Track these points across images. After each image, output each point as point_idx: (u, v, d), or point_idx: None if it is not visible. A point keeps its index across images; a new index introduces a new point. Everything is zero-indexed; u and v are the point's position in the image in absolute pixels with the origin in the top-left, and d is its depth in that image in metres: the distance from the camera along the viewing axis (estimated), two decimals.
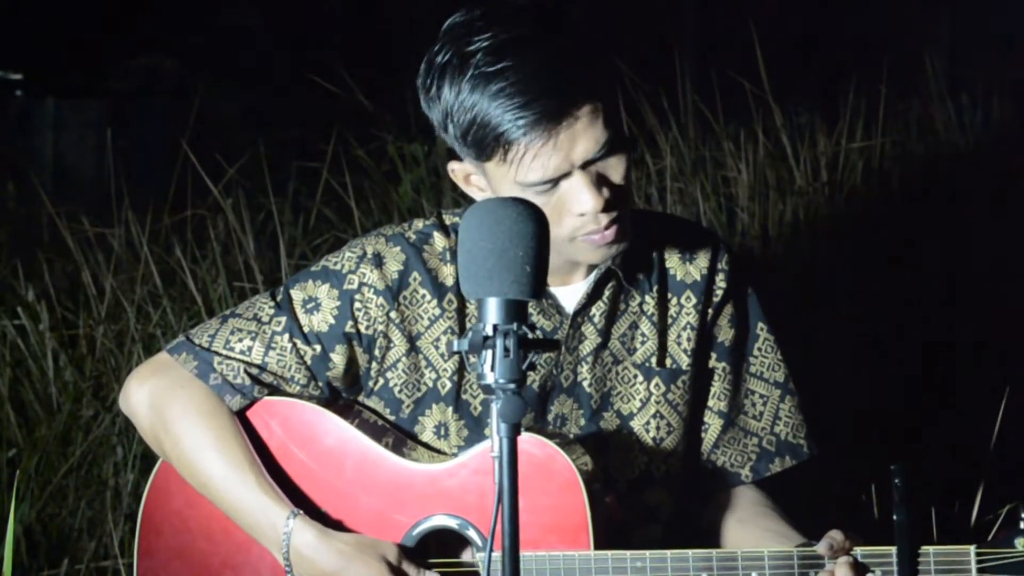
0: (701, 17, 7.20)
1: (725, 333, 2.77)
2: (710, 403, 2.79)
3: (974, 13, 6.63)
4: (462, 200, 4.92)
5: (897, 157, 5.06)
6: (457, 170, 2.65)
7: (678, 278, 2.75)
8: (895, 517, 2.45)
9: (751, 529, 2.70)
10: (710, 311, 2.76)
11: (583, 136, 2.49)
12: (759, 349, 2.81)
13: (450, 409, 2.69)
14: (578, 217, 2.53)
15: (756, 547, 2.55)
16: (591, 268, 2.69)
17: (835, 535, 2.49)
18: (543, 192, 2.52)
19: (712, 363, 2.78)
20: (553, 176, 2.51)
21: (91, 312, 4.59)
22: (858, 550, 2.50)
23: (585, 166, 2.51)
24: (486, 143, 2.51)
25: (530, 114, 2.47)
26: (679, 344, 2.74)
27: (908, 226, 4.62)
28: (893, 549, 2.48)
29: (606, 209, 2.53)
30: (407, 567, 2.57)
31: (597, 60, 2.55)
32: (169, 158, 5.00)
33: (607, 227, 2.55)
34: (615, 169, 2.55)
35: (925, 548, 2.48)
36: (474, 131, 2.51)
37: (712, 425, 2.79)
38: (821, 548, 2.48)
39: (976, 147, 5.22)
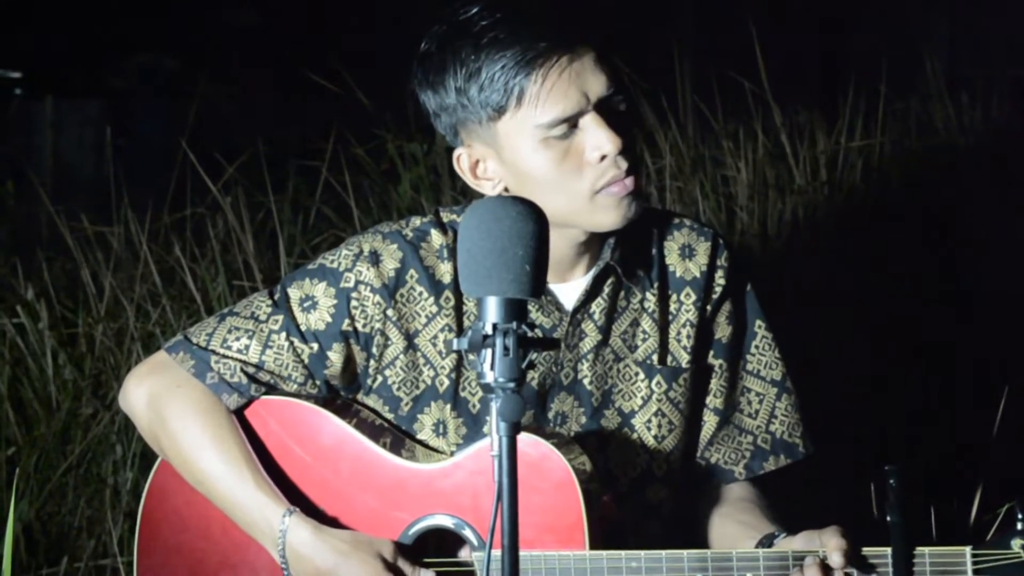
0: (700, 16, 7.20)
1: (723, 330, 2.78)
2: (707, 400, 2.79)
3: (974, 12, 6.62)
4: (461, 199, 4.92)
5: (897, 156, 5.06)
6: (463, 156, 2.65)
7: (678, 275, 2.75)
8: (889, 518, 2.45)
9: (728, 523, 2.71)
10: (709, 308, 2.76)
11: (594, 72, 2.55)
12: (756, 347, 2.81)
13: (448, 407, 2.69)
14: (598, 165, 2.55)
15: (732, 541, 2.55)
16: (591, 264, 2.69)
17: (842, 544, 2.48)
18: (561, 138, 2.54)
19: (710, 360, 2.78)
20: (571, 112, 2.53)
21: (90, 310, 4.59)
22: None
23: (599, 107, 2.54)
24: (505, 90, 2.54)
25: (541, 46, 2.52)
26: (679, 342, 2.74)
27: (907, 225, 4.62)
28: (888, 550, 2.47)
29: (624, 152, 2.54)
30: (403, 565, 2.57)
31: (584, 21, 2.60)
32: (168, 156, 5.00)
33: (627, 174, 2.56)
34: (623, 115, 2.58)
35: (921, 549, 2.47)
36: (492, 84, 2.54)
37: (708, 422, 2.79)
38: (834, 561, 2.47)
39: (976, 146, 5.21)
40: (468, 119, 2.60)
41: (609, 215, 2.60)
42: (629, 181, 2.57)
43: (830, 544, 2.47)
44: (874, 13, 6.94)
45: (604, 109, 2.55)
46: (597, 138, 2.54)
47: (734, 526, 2.68)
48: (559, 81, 2.52)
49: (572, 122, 2.55)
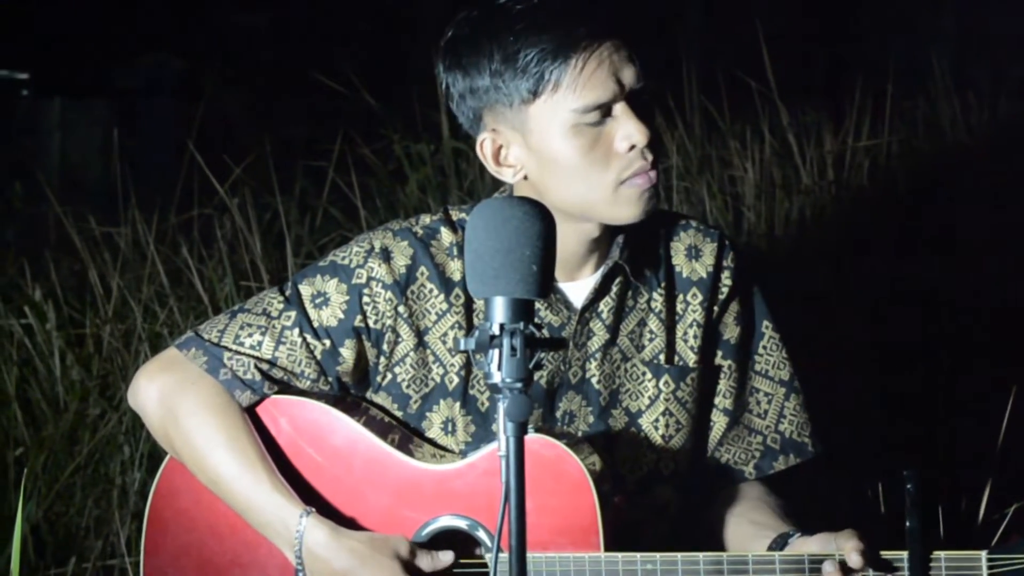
0: (706, 15, 7.20)
1: (731, 331, 2.78)
2: (716, 400, 2.79)
3: (980, 12, 6.62)
4: (468, 198, 4.92)
5: (903, 156, 5.05)
6: (486, 142, 2.65)
7: (684, 275, 2.76)
8: (907, 523, 2.44)
9: (741, 523, 2.70)
10: (716, 309, 2.76)
11: (627, 63, 2.57)
12: (764, 347, 2.81)
13: (457, 405, 2.69)
14: (626, 155, 2.56)
15: (745, 541, 2.55)
16: (599, 263, 2.69)
17: (860, 546, 2.48)
18: (592, 125, 2.56)
19: (718, 361, 2.78)
20: (606, 100, 2.55)
21: (98, 311, 4.59)
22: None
23: (629, 99, 2.56)
24: (542, 74, 2.55)
25: (581, 31, 2.54)
26: (686, 341, 2.74)
27: (914, 225, 4.62)
28: (905, 554, 2.47)
29: (651, 144, 2.56)
30: (420, 561, 2.57)
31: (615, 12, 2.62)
32: (175, 157, 5.01)
33: (652, 167, 2.58)
34: (648, 109, 2.60)
35: (936, 553, 2.47)
36: (525, 70, 2.55)
37: (717, 422, 2.79)
38: (853, 561, 2.47)
39: (983, 146, 5.21)
40: (499, 102, 2.60)
41: (630, 207, 2.61)
42: (653, 174, 2.60)
43: (847, 546, 2.47)
44: (881, 13, 6.93)
45: (634, 100, 2.57)
46: (628, 128, 2.56)
47: (747, 526, 2.68)
48: (598, 68, 2.54)
49: (605, 110, 2.56)
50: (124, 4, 7.55)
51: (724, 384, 2.78)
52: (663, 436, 2.72)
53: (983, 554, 2.47)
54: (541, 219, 2.14)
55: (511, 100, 2.59)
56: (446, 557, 2.58)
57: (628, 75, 2.57)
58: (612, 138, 2.57)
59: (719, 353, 2.78)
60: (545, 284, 2.13)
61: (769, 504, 2.74)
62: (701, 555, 2.50)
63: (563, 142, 2.57)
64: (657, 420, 2.72)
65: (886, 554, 2.48)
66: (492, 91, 2.59)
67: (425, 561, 2.58)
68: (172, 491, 2.72)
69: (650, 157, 2.58)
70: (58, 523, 4.09)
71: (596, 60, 2.54)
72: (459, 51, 2.61)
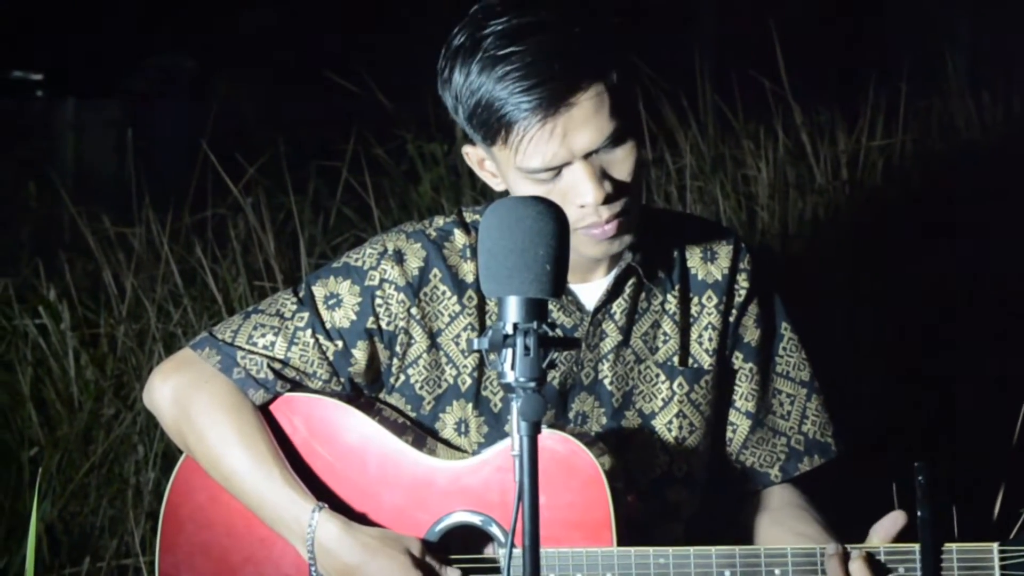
0: (720, 15, 7.19)
1: (751, 334, 2.77)
2: (737, 404, 2.78)
3: (995, 10, 6.60)
4: (481, 199, 4.93)
5: (918, 155, 5.05)
6: (471, 154, 2.66)
7: (699, 278, 2.75)
8: (919, 514, 2.45)
9: (783, 532, 2.69)
10: (733, 311, 2.76)
11: (585, 126, 2.49)
12: (784, 349, 2.81)
13: (470, 406, 2.69)
14: (579, 208, 2.52)
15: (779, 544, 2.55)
16: (612, 265, 2.69)
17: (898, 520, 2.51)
18: (546, 180, 2.52)
19: (739, 364, 2.77)
20: (552, 164, 2.50)
21: (112, 311, 4.60)
22: (881, 547, 2.50)
23: (588, 156, 2.51)
24: (490, 125, 2.51)
25: (530, 98, 2.46)
26: (700, 344, 2.74)
27: (929, 224, 4.61)
28: (916, 546, 2.47)
29: (607, 202, 2.53)
30: (431, 562, 2.58)
31: (609, 48, 2.54)
32: (189, 157, 5.02)
33: (608, 221, 2.54)
34: (621, 163, 2.54)
35: (948, 545, 2.48)
36: (480, 113, 2.52)
37: (740, 426, 2.78)
38: (878, 537, 2.49)
39: (997, 145, 5.20)
40: (468, 130, 2.60)
41: (590, 249, 2.60)
42: (610, 227, 2.55)
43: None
44: (896, 12, 6.92)
45: (595, 157, 2.52)
46: (579, 188, 2.51)
47: (791, 537, 2.66)
48: (541, 133, 2.48)
49: (556, 171, 2.53)
50: (137, 5, 7.56)
51: (746, 387, 2.78)
52: (676, 438, 2.72)
53: (995, 546, 2.48)
54: (554, 218, 2.14)
55: (476, 136, 2.59)
56: (454, 574, 2.58)
57: (583, 139, 2.49)
58: (566, 192, 2.52)
59: (739, 356, 2.77)
60: (559, 283, 2.12)
61: (808, 511, 2.73)
62: (713, 549, 2.51)
63: (519, 185, 2.55)
64: (671, 422, 2.72)
65: (898, 545, 2.49)
66: (463, 123, 2.60)
67: (435, 563, 2.58)
68: (188, 489, 2.72)
69: (605, 214, 2.53)
70: (73, 522, 4.11)
71: (541, 127, 2.47)
72: (442, 72, 2.59)
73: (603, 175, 2.52)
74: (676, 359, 2.72)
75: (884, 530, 2.52)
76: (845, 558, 2.48)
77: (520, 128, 2.49)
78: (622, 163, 2.54)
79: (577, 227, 2.54)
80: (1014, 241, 4.51)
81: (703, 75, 5.17)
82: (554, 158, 2.50)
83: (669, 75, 5.09)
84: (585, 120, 2.49)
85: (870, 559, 2.48)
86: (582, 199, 2.52)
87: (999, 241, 4.52)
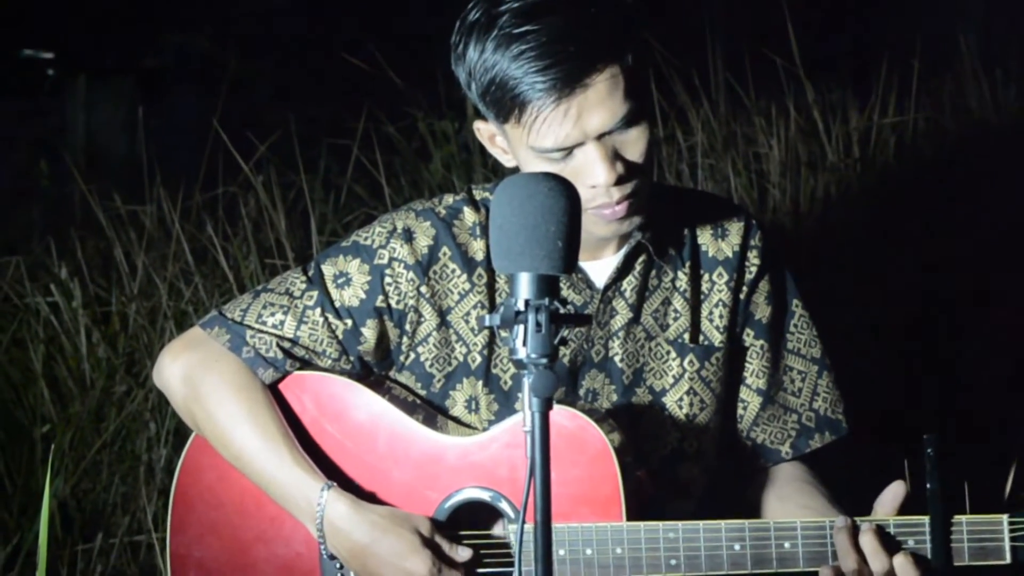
0: None
1: (762, 311, 2.77)
2: (748, 380, 2.78)
3: None
4: (492, 176, 4.92)
5: (930, 133, 5.03)
6: (482, 129, 2.66)
7: (710, 255, 2.75)
8: (928, 486, 2.45)
9: (789, 506, 2.70)
10: (744, 288, 2.76)
11: (599, 107, 2.49)
12: (795, 326, 2.80)
13: (480, 383, 2.69)
14: (590, 189, 2.52)
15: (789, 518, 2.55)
16: (622, 242, 2.69)
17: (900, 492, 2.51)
18: (558, 160, 2.52)
19: (750, 341, 2.77)
20: (565, 145, 2.50)
21: (123, 289, 4.61)
22: (891, 520, 2.50)
23: (601, 137, 2.51)
24: (503, 104, 2.51)
25: (545, 79, 2.46)
26: (711, 321, 2.74)
27: (940, 202, 4.60)
28: (926, 519, 2.48)
29: (619, 183, 2.53)
30: (440, 541, 2.58)
31: (624, 29, 2.53)
32: (200, 136, 5.02)
33: (619, 202, 2.54)
34: (634, 144, 2.54)
35: (958, 517, 2.48)
36: (493, 91, 2.51)
37: (751, 403, 2.78)
38: (883, 510, 2.50)
39: (1010, 123, 5.18)
40: (481, 106, 2.60)
41: (600, 229, 2.60)
42: (621, 207, 2.55)
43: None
44: None
45: (608, 138, 2.52)
46: (592, 169, 2.51)
47: (798, 510, 2.67)
48: (555, 114, 2.48)
49: (568, 151, 2.53)
50: None
51: (756, 364, 2.78)
52: (687, 415, 2.72)
53: (1004, 518, 2.48)
54: (566, 194, 2.13)
55: (488, 113, 2.59)
56: (465, 552, 2.58)
57: (597, 120, 2.49)
58: (578, 171, 2.52)
59: (750, 333, 2.77)
60: (570, 260, 2.12)
61: (814, 486, 2.74)
62: (723, 523, 2.51)
63: (532, 162, 2.55)
64: (681, 399, 2.72)
65: (907, 518, 2.49)
66: (476, 99, 2.59)
67: (444, 542, 2.58)
68: (197, 468, 2.73)
69: (616, 195, 2.53)
70: (85, 499, 4.12)
71: (555, 108, 2.48)
72: (456, 48, 2.58)
73: (615, 156, 2.52)
74: (687, 336, 2.72)
75: (888, 502, 2.52)
76: (854, 531, 2.48)
77: (534, 108, 2.48)
78: (634, 144, 2.54)
79: (588, 207, 2.53)
80: None
81: (715, 53, 5.15)
82: (567, 139, 2.50)
83: (681, 53, 5.08)
84: (600, 101, 2.49)
85: (880, 532, 2.48)
86: (594, 180, 2.51)
87: (1011, 219, 4.50)
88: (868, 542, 2.47)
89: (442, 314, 2.70)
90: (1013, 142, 5.03)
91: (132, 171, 5.43)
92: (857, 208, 4.69)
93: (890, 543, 2.49)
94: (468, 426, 2.71)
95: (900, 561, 2.47)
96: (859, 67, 5.30)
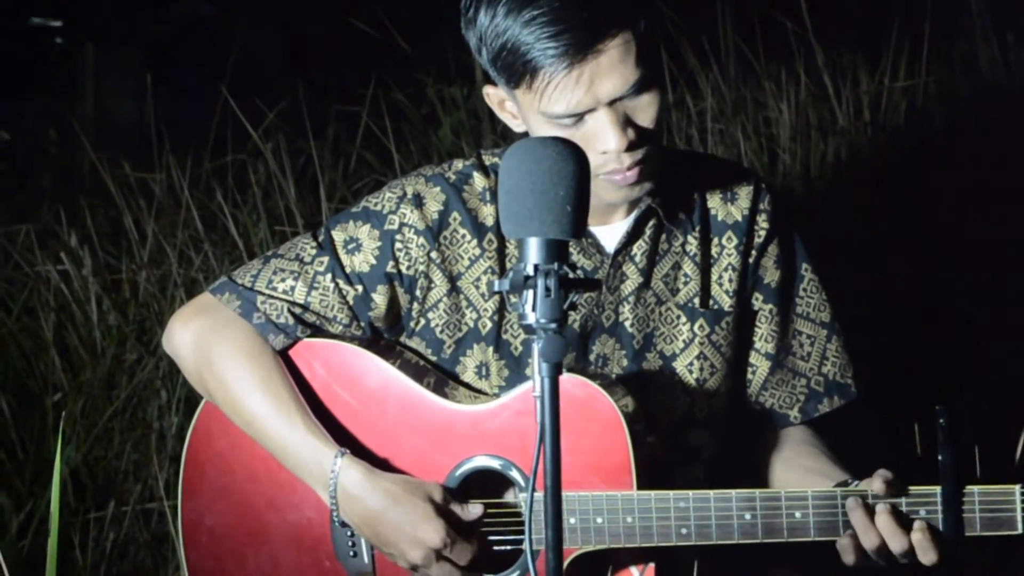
0: None
1: (771, 275, 2.76)
2: (757, 345, 2.78)
3: None
4: (502, 142, 4.91)
5: (941, 96, 5.01)
6: (492, 94, 2.65)
7: (719, 218, 2.74)
8: (940, 457, 2.44)
9: (793, 469, 2.70)
10: (753, 252, 2.75)
11: (611, 73, 2.48)
12: (804, 290, 2.80)
13: (491, 349, 2.69)
14: (601, 155, 2.52)
15: (799, 487, 2.54)
16: (632, 207, 2.68)
17: (887, 474, 2.48)
18: (569, 126, 2.51)
19: (759, 305, 2.76)
20: (577, 111, 2.49)
21: (133, 257, 4.61)
22: (903, 498, 2.49)
23: (612, 103, 2.50)
24: (515, 69, 2.50)
25: (558, 44, 2.45)
26: (721, 285, 2.73)
27: (951, 165, 4.58)
28: (938, 489, 2.47)
29: (630, 149, 2.52)
30: (454, 507, 2.58)
31: None
32: (209, 103, 5.01)
33: (629, 168, 2.54)
34: (645, 110, 2.53)
35: (970, 488, 2.47)
36: (504, 56, 2.50)
37: (759, 367, 2.78)
38: (876, 486, 2.47)
39: (1021, 86, 5.15)
40: (491, 71, 2.59)
41: (610, 194, 2.60)
42: (631, 173, 2.54)
43: (875, 476, 2.47)
44: None
45: (619, 104, 2.51)
46: (603, 135, 2.51)
47: (799, 472, 2.67)
48: (567, 80, 2.47)
49: (579, 116, 2.52)
50: None
51: (765, 328, 2.77)
52: (697, 380, 2.72)
53: (1017, 488, 2.47)
54: (575, 159, 2.13)
55: (499, 78, 2.57)
56: (475, 510, 2.59)
57: (609, 86, 2.47)
58: (589, 137, 2.51)
59: (759, 297, 2.76)
60: (579, 224, 2.12)
61: (819, 448, 2.73)
62: (734, 492, 2.51)
63: (542, 128, 2.54)
64: (691, 364, 2.72)
65: (919, 489, 2.48)
66: (486, 65, 2.58)
67: (457, 509, 2.59)
68: (208, 435, 2.73)
69: (627, 161, 2.53)
70: (97, 467, 4.13)
71: (567, 74, 2.46)
72: (467, 11, 2.57)
73: (626, 122, 2.51)
74: (697, 300, 2.72)
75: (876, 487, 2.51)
76: (869, 509, 2.47)
77: (546, 74, 2.48)
78: (645, 110, 2.53)
79: (599, 173, 2.53)
80: None
81: (724, 17, 5.13)
82: (579, 105, 2.49)
83: (691, 17, 5.06)
84: (611, 67, 2.48)
85: (895, 512, 2.47)
86: (604, 146, 2.51)
87: (1022, 180, 4.48)
88: (884, 523, 2.46)
89: (452, 280, 2.70)
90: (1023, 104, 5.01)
91: (141, 139, 5.42)
92: (868, 172, 4.67)
93: (905, 521, 2.47)
94: (479, 392, 2.71)
95: (918, 538, 2.46)
96: (869, 30, 5.27)
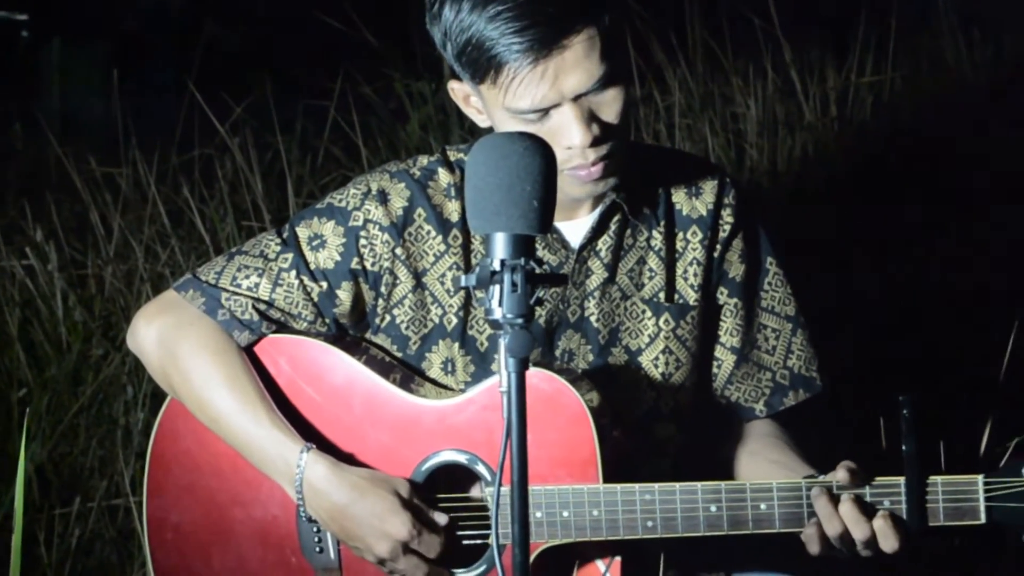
0: None
1: (736, 269, 2.77)
2: (722, 339, 2.78)
3: None
4: (469, 137, 4.91)
5: (907, 92, 5.03)
6: (457, 89, 2.64)
7: (684, 213, 2.74)
8: (903, 448, 2.45)
9: (759, 462, 2.71)
10: (718, 246, 2.75)
11: (575, 68, 2.48)
12: (769, 284, 2.80)
13: (456, 345, 2.69)
14: (565, 150, 2.52)
15: (764, 479, 2.55)
16: (596, 202, 2.68)
17: (851, 465, 2.50)
18: (534, 121, 2.51)
19: (723, 299, 2.77)
20: (541, 106, 2.50)
21: (99, 252, 4.60)
22: (867, 487, 2.50)
23: (577, 99, 2.50)
24: (479, 64, 2.50)
25: (522, 40, 2.45)
26: (686, 279, 2.74)
27: (918, 161, 4.60)
28: (902, 480, 2.48)
29: (595, 144, 2.52)
30: (419, 503, 2.58)
31: None
32: (176, 97, 4.99)
33: (594, 163, 2.54)
34: (610, 105, 2.53)
35: (933, 478, 2.49)
36: (469, 51, 2.50)
37: (725, 361, 2.79)
38: (840, 476, 2.48)
39: (987, 82, 5.18)
40: (456, 67, 2.59)
41: (575, 190, 2.60)
42: (596, 168, 2.55)
43: (839, 468, 2.48)
44: None
45: (584, 99, 2.51)
46: (567, 130, 2.51)
47: (765, 465, 2.68)
48: (532, 75, 2.47)
49: (544, 112, 2.52)
50: None
51: (730, 322, 2.78)
52: (663, 374, 2.72)
53: (980, 478, 2.49)
54: (541, 154, 2.13)
55: (464, 74, 2.57)
56: (442, 518, 2.59)
57: (574, 81, 2.48)
58: (553, 132, 2.51)
59: (724, 291, 2.77)
60: (546, 220, 2.12)
61: (784, 441, 2.75)
62: (699, 485, 2.52)
63: (507, 123, 2.54)
64: (657, 358, 2.72)
65: (883, 479, 2.50)
66: (451, 60, 2.58)
67: (423, 505, 2.58)
68: (173, 432, 2.73)
69: (591, 156, 2.53)
70: (62, 463, 4.11)
71: (532, 69, 2.46)
72: (431, 11, 2.57)
73: (591, 117, 2.52)
74: (662, 295, 2.72)
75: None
76: (834, 497, 2.48)
77: (511, 69, 2.48)
78: (610, 105, 2.53)
79: (564, 168, 2.53)
80: (1004, 176, 4.50)
81: (692, 12, 5.14)
82: (543, 100, 2.49)
83: (658, 12, 5.07)
84: (576, 63, 2.48)
85: (859, 501, 2.48)
86: (569, 141, 2.51)
87: (988, 177, 4.51)
88: (847, 511, 2.47)
89: (417, 276, 2.69)
90: (990, 100, 5.03)
91: (107, 133, 5.40)
92: (834, 167, 4.69)
93: (868, 509, 2.49)
94: (445, 388, 2.70)
95: (880, 525, 2.47)
96: (837, 26, 5.29)
